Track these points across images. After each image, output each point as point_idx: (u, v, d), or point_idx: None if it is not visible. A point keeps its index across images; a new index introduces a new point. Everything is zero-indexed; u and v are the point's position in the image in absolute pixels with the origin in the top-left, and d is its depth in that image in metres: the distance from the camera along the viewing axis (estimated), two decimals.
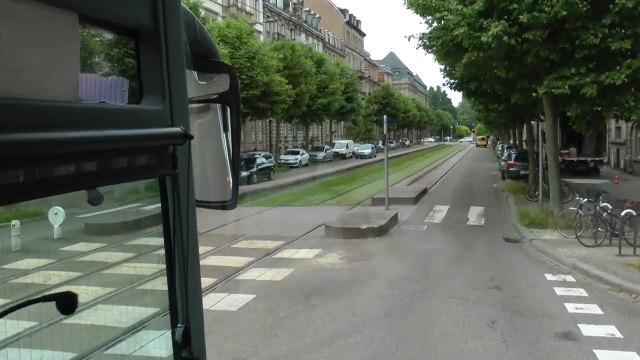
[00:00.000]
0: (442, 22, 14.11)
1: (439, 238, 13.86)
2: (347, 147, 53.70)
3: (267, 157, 31.85)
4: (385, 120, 18.19)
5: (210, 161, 1.49)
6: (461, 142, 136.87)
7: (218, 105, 1.43)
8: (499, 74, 15.68)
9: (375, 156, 51.85)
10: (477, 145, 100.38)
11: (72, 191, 0.88)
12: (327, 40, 73.30)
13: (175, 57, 1.10)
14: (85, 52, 1.08)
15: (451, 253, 12.30)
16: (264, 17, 53.03)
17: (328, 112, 44.88)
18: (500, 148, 47.73)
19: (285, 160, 41.74)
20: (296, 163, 41.59)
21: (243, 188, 22.40)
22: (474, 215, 17.22)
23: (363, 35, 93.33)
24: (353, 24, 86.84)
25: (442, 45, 14.26)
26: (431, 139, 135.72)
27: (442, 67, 20.75)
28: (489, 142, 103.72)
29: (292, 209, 19.63)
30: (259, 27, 50.58)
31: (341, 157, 51.92)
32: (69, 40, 0.91)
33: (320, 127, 62.93)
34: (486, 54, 13.34)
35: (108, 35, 1.11)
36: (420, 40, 15.50)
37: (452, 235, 14.18)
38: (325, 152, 47.87)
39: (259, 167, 28.90)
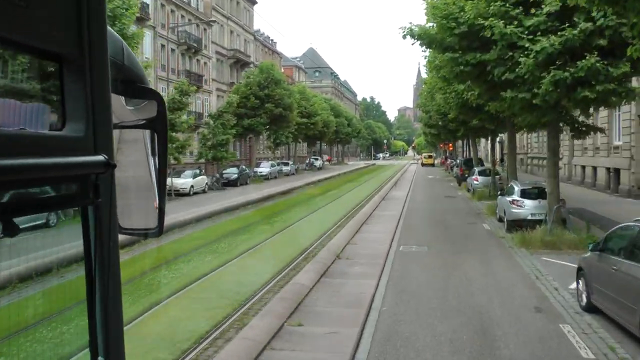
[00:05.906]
0: None
1: None
2: None
3: None
4: None
5: (137, 187, 1.45)
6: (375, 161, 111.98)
7: (147, 131, 1.40)
8: None
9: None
10: (423, 165, 75.23)
11: None
12: None
13: (100, 83, 1.04)
14: (5, 77, 1.06)
15: None
16: None
17: None
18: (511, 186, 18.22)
19: None
20: None
21: None
22: None
23: (253, 2, 63.09)
24: None
25: None
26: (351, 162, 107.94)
27: None
28: (436, 161, 78.74)
29: None
30: None
31: None
32: None
33: None
34: None
35: (30, 59, 1.06)
36: None
37: None
38: None
39: None
